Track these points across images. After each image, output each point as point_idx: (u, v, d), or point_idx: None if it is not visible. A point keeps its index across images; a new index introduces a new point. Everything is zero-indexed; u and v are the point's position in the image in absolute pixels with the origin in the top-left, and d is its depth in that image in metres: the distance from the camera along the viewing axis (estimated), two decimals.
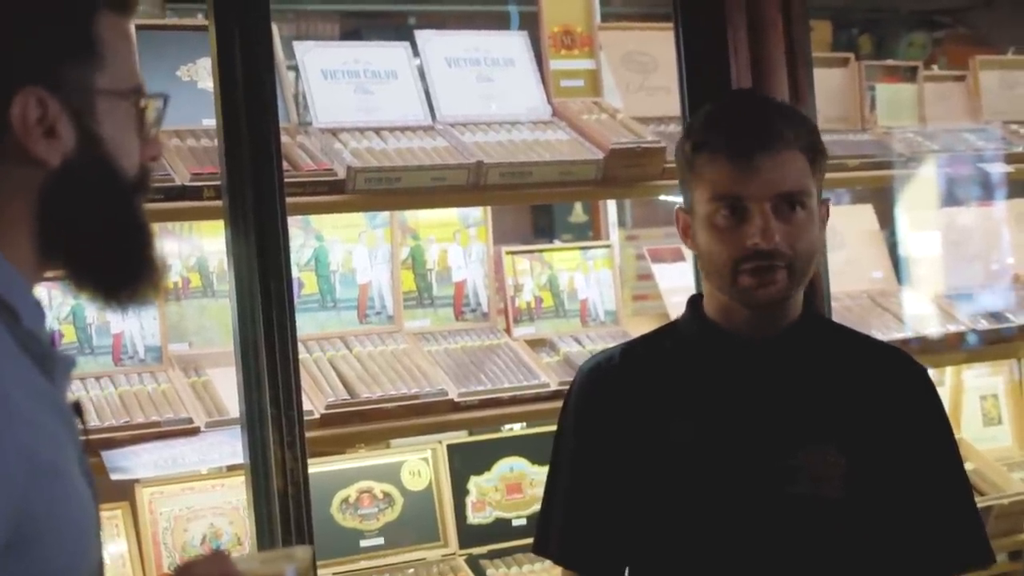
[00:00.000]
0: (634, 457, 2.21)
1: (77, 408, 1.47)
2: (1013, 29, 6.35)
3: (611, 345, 3.54)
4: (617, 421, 2.24)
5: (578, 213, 6.33)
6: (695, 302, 2.26)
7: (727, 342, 2.20)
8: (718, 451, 2.16)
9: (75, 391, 1.52)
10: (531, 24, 3.86)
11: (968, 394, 4.46)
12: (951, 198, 4.39)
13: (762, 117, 2.16)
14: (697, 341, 2.24)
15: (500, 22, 5.65)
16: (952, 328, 4.10)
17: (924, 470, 2.19)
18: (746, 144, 2.10)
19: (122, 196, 1.48)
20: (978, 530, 2.23)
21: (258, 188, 2.70)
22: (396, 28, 5.72)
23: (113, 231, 1.48)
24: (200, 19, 4.11)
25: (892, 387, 2.23)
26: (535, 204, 5.70)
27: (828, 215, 2.24)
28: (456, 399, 3.27)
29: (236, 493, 3.27)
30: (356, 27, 5.61)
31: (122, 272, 1.49)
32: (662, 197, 3.73)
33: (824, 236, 2.25)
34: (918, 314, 4.17)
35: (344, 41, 4.39)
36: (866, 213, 4.33)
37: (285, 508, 2.71)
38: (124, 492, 3.20)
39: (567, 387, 3.32)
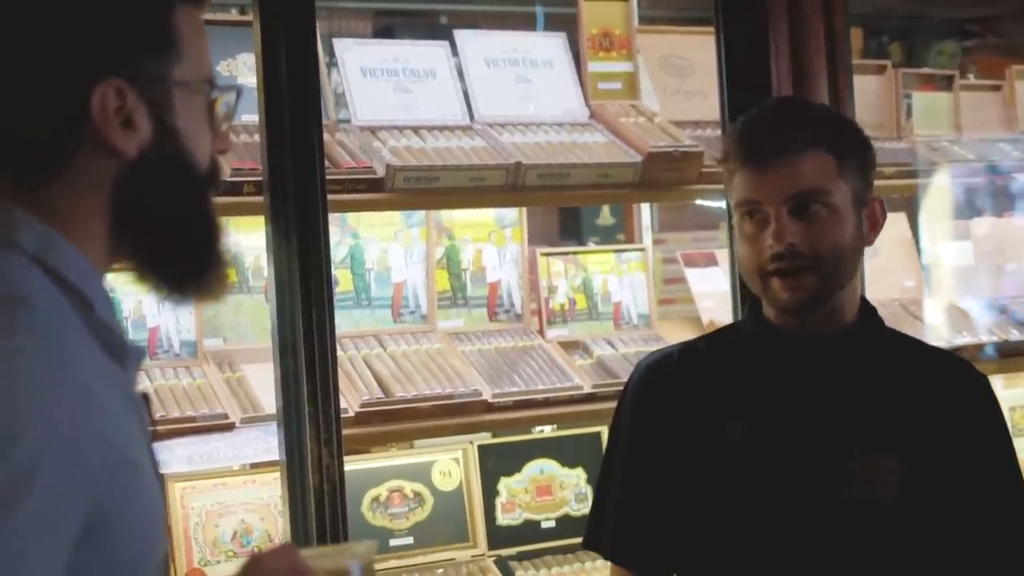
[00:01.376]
0: (689, 455, 2.20)
1: (145, 399, 1.48)
2: None
3: (644, 348, 3.56)
4: (673, 418, 2.23)
5: (605, 216, 6.32)
6: (755, 304, 2.26)
7: (785, 343, 2.19)
8: (774, 452, 2.15)
9: None
10: (569, 25, 3.86)
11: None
12: (985, 208, 4.38)
13: (777, 121, 2.17)
14: (756, 342, 2.24)
15: (531, 22, 5.65)
16: (983, 338, 4.08)
17: (982, 478, 2.17)
18: (758, 149, 2.12)
19: (195, 189, 1.49)
20: None
21: (300, 186, 2.70)
22: (428, 27, 5.72)
23: (185, 224, 1.48)
24: (234, 14, 4.12)
25: (952, 393, 2.21)
26: (572, 206, 5.69)
27: (884, 215, 2.23)
28: (490, 400, 3.26)
29: (267, 489, 3.27)
30: (389, 25, 5.62)
31: (192, 265, 1.50)
32: (698, 201, 3.73)
33: (871, 237, 2.22)
34: (949, 323, 4.16)
35: (382, 39, 4.39)
36: (899, 221, 4.32)
37: (320, 505, 2.71)
38: None
39: (601, 390, 3.38)
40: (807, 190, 2.10)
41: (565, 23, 3.97)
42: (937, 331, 4.09)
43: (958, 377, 2.26)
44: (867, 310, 2.25)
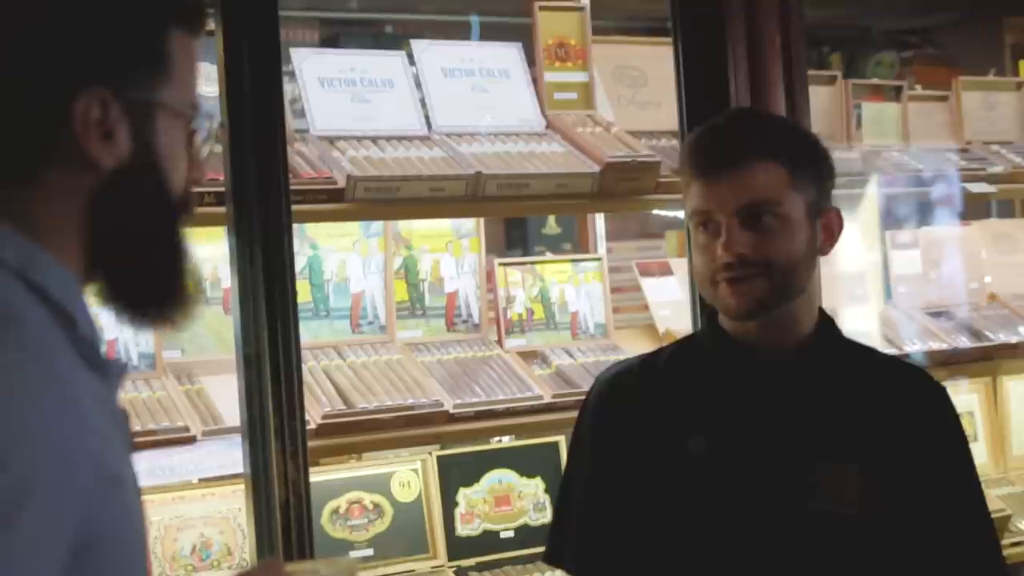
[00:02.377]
0: (651, 469, 2.20)
1: (125, 415, 1.46)
2: (980, 49, 6.43)
3: (603, 358, 3.57)
4: (634, 432, 2.23)
5: (551, 225, 6.34)
6: (713, 315, 2.26)
7: (745, 357, 2.20)
8: (736, 466, 2.16)
9: None
10: (515, 35, 3.86)
11: None
12: (932, 216, 4.43)
13: (731, 132, 2.19)
14: (715, 355, 2.25)
15: (479, 32, 5.65)
16: (933, 346, 4.13)
17: (941, 489, 2.19)
18: (710, 160, 2.14)
19: (168, 212, 1.46)
20: (994, 551, 2.23)
21: (265, 197, 2.69)
22: (374, 36, 5.71)
23: (153, 246, 1.46)
24: None
25: (911, 404, 2.23)
26: (531, 216, 5.70)
27: (841, 225, 2.24)
28: (452, 410, 3.26)
29: (227, 502, 3.24)
30: (336, 34, 5.60)
31: (155, 290, 1.47)
32: (655, 211, 3.74)
33: (826, 247, 2.23)
34: (897, 331, 4.20)
35: (340, 49, 4.37)
36: (850, 230, 4.35)
37: (287, 518, 2.70)
38: None
39: (560, 399, 3.38)
40: (757, 201, 2.11)
41: (514, 33, 3.96)
42: (885, 338, 4.13)
43: (917, 387, 2.27)
44: (825, 320, 2.27)
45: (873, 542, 2.14)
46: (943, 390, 2.29)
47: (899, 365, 2.38)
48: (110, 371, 1.44)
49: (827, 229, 2.21)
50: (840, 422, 2.18)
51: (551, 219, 6.29)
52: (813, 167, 2.20)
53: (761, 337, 2.19)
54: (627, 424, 2.25)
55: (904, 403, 2.23)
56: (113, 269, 1.46)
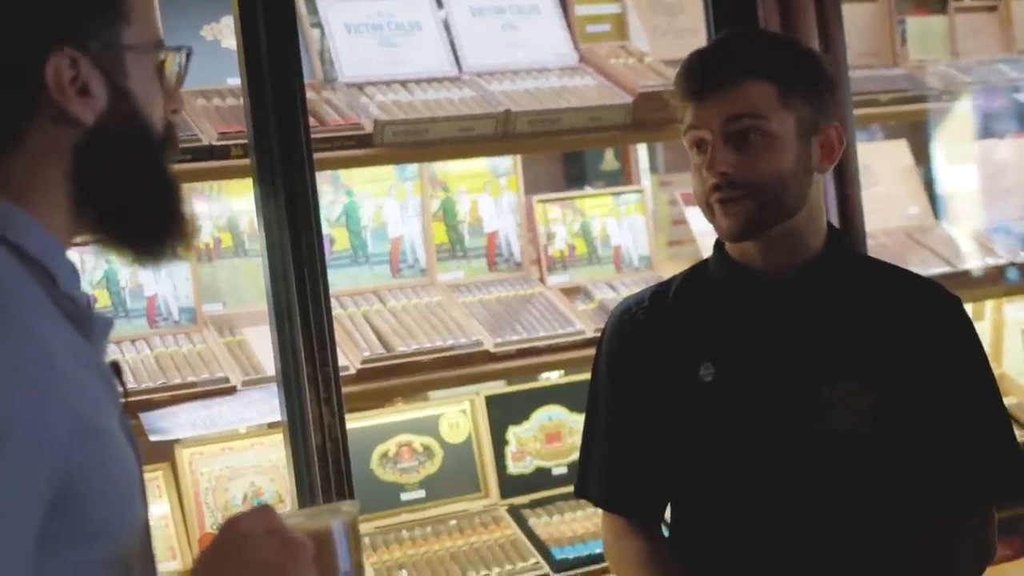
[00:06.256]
0: (666, 398, 2.22)
1: (116, 368, 1.47)
2: None
3: None
4: (649, 362, 2.24)
5: (609, 160, 6.26)
6: (720, 242, 2.25)
7: (751, 280, 2.20)
8: (747, 388, 2.16)
9: (111, 354, 1.54)
10: None
11: (1009, 328, 4.41)
12: (986, 131, 4.34)
13: (719, 53, 2.19)
14: (722, 280, 2.25)
15: None
16: (991, 262, 4.06)
17: (956, 398, 2.16)
18: (698, 81, 2.14)
19: (152, 151, 1.48)
20: (1015, 459, 2.20)
21: (284, 144, 2.69)
22: None
23: (144, 187, 1.48)
24: None
25: (922, 317, 2.20)
26: (565, 151, 5.65)
27: (841, 142, 2.20)
28: (492, 349, 3.26)
29: (276, 451, 3.27)
30: None
31: (154, 228, 1.49)
32: None
33: (824, 164, 2.19)
34: (956, 249, 4.13)
35: None
36: (900, 149, 4.29)
37: (324, 463, 2.72)
38: (165, 453, 3.21)
39: None
40: (741, 114, 2.09)
41: None
42: (944, 256, 4.06)
43: (928, 300, 2.24)
44: (834, 236, 2.25)
45: (886, 456, 2.13)
46: (956, 301, 2.26)
47: (911, 278, 2.34)
48: (94, 326, 1.46)
49: (826, 146, 2.18)
50: (850, 338, 2.17)
51: (609, 154, 6.20)
52: (808, 85, 2.17)
53: (764, 258, 2.18)
54: (640, 356, 2.26)
55: (915, 315, 2.20)
56: (107, 215, 1.48)
